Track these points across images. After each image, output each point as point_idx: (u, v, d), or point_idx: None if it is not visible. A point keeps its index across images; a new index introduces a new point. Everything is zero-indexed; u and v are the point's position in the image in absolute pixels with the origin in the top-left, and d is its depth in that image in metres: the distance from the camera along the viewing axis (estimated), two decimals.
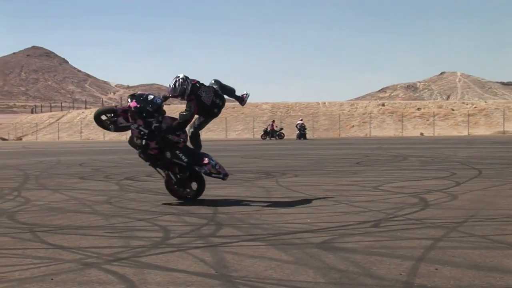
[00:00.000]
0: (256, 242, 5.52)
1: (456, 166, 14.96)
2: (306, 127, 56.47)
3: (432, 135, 60.84)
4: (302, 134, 54.52)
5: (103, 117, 8.60)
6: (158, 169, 8.78)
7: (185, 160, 8.40)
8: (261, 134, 57.42)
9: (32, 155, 27.80)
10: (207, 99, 8.68)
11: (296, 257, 4.84)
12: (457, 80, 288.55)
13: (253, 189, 10.27)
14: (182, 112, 8.55)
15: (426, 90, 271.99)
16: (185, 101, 8.56)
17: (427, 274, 4.22)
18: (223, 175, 8.49)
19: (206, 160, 8.39)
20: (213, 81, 9.00)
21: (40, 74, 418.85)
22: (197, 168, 8.44)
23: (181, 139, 8.48)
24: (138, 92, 8.71)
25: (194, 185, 8.70)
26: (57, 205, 8.57)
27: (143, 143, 8.29)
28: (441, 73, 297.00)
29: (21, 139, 79.52)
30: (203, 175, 8.53)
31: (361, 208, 7.64)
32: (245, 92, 9.37)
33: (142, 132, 8.24)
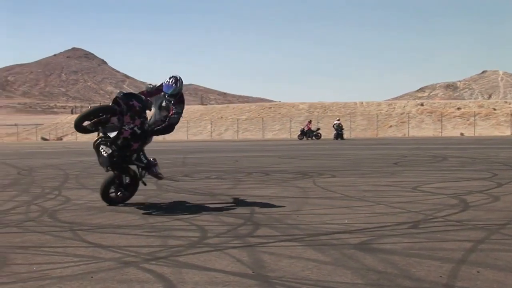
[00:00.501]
0: (293, 243, 5.50)
1: (498, 167, 14.66)
2: (343, 127, 56.06)
3: (473, 135, 59.78)
4: (339, 134, 54.14)
5: (86, 123, 8.24)
6: (115, 172, 8.44)
7: (145, 161, 8.49)
8: (298, 134, 57.26)
9: (72, 154, 28.27)
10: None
11: (334, 258, 4.81)
12: (499, 79, 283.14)
13: (290, 189, 10.23)
14: (172, 115, 8.56)
15: (467, 90, 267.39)
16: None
17: (468, 277, 4.14)
18: (162, 174, 8.93)
19: (154, 162, 8.65)
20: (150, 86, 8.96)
21: (79, 75, 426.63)
22: (154, 169, 8.60)
23: (151, 140, 8.73)
24: (125, 92, 8.43)
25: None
26: (96, 204, 8.69)
27: (120, 143, 8.12)
28: (482, 72, 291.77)
29: (61, 139, 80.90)
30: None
31: (399, 209, 7.55)
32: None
33: (134, 133, 8.10)
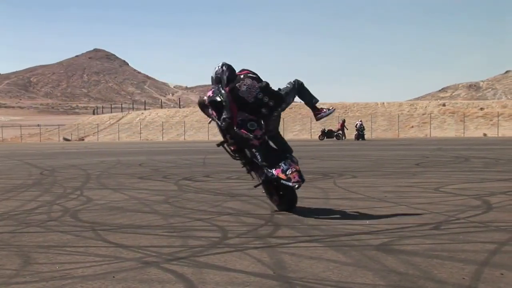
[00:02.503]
0: (314, 243, 5.48)
1: None
2: (364, 127, 55.87)
3: (496, 136, 59.12)
4: (360, 135, 53.99)
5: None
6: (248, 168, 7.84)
7: (260, 160, 7.42)
8: (318, 135, 57.16)
9: (94, 155, 28.50)
10: (247, 95, 7.38)
11: (355, 259, 4.78)
12: None
13: (311, 189, 10.20)
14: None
15: (490, 90, 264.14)
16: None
17: (491, 279, 4.09)
18: (293, 182, 7.14)
19: (279, 163, 7.28)
20: (292, 82, 7.74)
21: (101, 76, 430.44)
22: (263, 175, 7.45)
23: (251, 136, 7.31)
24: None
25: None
26: (117, 204, 8.74)
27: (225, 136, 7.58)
28: (506, 72, 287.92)
29: (83, 140, 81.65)
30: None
31: (421, 210, 7.48)
32: (329, 108, 8.06)
33: (218, 125, 7.64)
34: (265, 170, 7.37)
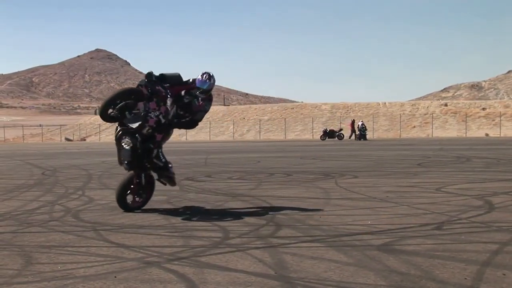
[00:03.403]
0: (315, 244, 5.48)
1: None
2: (366, 127, 55.90)
3: (498, 136, 59.04)
4: (362, 135, 54.00)
5: (111, 110, 7.65)
6: (135, 170, 8.02)
7: (163, 160, 7.98)
8: (320, 135, 57.19)
9: (95, 155, 28.51)
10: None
11: (356, 259, 4.78)
12: None
13: (312, 190, 10.20)
14: (199, 111, 8.05)
15: (492, 90, 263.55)
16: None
17: (493, 279, 4.08)
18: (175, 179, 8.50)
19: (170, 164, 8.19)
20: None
21: (103, 76, 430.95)
22: (171, 171, 8.18)
23: (170, 136, 8.31)
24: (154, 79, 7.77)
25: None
26: None
27: (145, 132, 7.63)
28: (508, 72, 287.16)
29: (84, 140, 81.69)
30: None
31: (422, 210, 7.48)
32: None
33: (159, 122, 7.64)
34: (170, 169, 8.21)
